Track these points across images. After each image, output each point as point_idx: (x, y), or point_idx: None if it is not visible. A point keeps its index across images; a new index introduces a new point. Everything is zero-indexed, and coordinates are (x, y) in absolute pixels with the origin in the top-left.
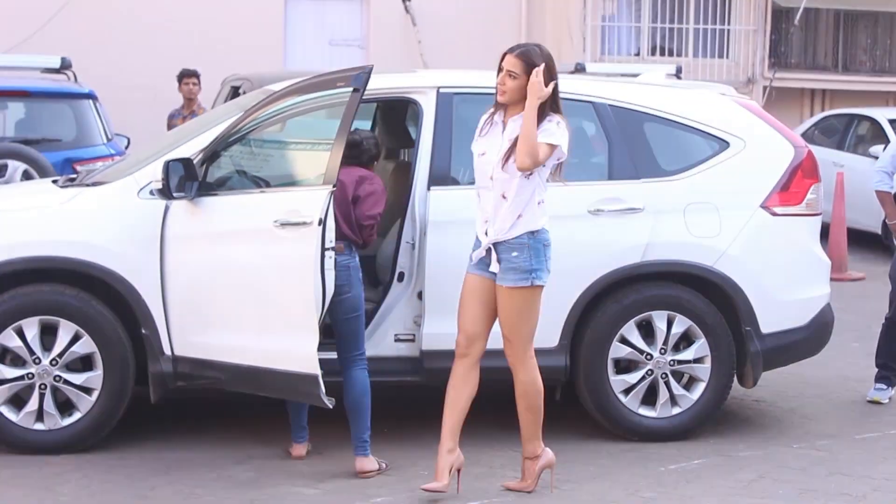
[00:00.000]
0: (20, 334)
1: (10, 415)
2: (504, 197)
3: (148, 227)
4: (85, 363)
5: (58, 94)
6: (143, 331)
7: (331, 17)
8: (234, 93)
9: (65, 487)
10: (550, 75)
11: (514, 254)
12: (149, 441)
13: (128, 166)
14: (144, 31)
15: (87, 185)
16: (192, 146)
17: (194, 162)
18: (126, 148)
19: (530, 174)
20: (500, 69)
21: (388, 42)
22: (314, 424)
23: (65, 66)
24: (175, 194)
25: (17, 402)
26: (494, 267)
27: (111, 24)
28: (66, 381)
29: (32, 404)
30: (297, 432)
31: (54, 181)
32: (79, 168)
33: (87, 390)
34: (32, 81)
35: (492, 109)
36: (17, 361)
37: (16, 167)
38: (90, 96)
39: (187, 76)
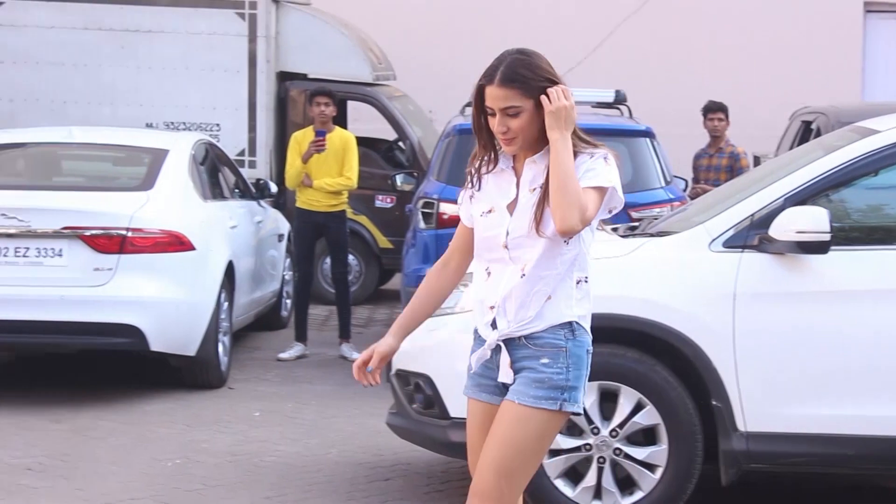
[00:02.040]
0: None
1: (566, 489)
2: (522, 272)
3: (720, 284)
4: (647, 436)
5: (612, 131)
6: (714, 402)
7: None
8: (806, 128)
9: None
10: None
11: (544, 360)
12: None
13: (694, 214)
14: (695, 57)
15: (651, 235)
16: (769, 193)
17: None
18: (684, 191)
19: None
20: (482, 109)
21: None
22: None
23: (619, 99)
24: None
25: (574, 475)
26: (506, 374)
27: (660, 53)
28: (627, 456)
29: (590, 479)
30: None
31: (614, 229)
32: (634, 214)
33: (650, 467)
34: (584, 117)
35: (483, 152)
36: (574, 430)
37: None
38: (648, 134)
39: (712, 111)
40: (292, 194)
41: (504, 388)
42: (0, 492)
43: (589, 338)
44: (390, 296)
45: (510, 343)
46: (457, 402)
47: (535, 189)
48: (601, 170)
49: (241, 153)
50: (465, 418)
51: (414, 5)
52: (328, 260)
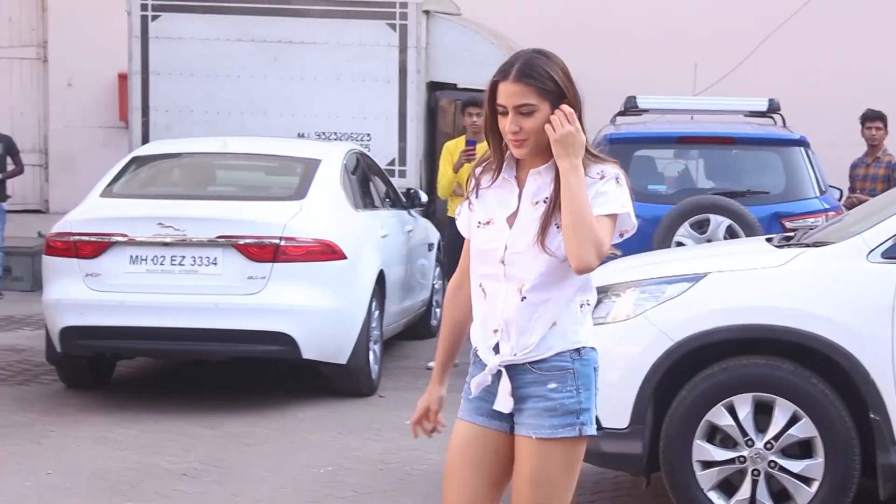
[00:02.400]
0: (731, 412)
1: (720, 501)
2: (522, 294)
3: (878, 295)
4: (803, 449)
5: (765, 140)
6: (872, 415)
7: None
8: None
9: None
10: (571, 101)
11: (552, 385)
12: None
13: (851, 224)
14: (851, 64)
15: (806, 246)
16: None
17: None
18: (839, 200)
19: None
20: (495, 108)
21: None
22: None
23: (773, 108)
24: None
25: (727, 487)
26: (504, 403)
27: (816, 60)
28: (782, 468)
29: (744, 491)
30: None
31: (768, 240)
32: (788, 224)
33: (806, 480)
34: (736, 126)
35: (486, 160)
36: (729, 442)
37: (719, 222)
38: (801, 143)
39: (870, 120)
40: (443, 203)
41: (502, 415)
42: (156, 496)
43: (596, 354)
44: None
45: (512, 369)
46: (608, 413)
47: (537, 202)
48: (613, 193)
49: (392, 163)
50: (617, 429)
51: (563, 14)
52: None
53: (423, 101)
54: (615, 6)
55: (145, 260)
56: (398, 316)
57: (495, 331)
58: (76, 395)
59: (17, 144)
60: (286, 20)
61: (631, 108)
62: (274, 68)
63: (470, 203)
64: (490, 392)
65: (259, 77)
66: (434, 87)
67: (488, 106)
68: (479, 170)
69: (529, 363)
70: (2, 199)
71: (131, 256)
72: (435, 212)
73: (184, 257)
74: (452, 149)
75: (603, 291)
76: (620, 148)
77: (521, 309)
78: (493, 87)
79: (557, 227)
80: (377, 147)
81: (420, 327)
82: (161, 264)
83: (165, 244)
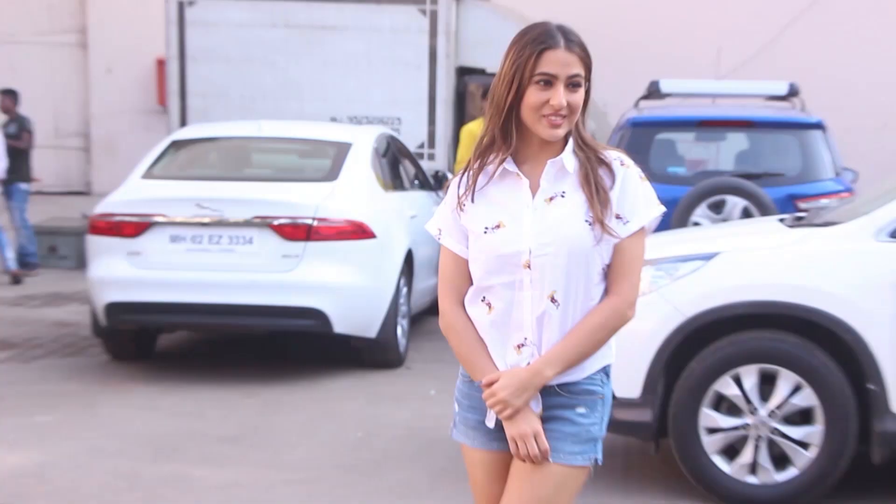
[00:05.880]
0: (738, 382)
1: (723, 465)
2: (554, 300)
3: (883, 273)
4: (804, 416)
5: (783, 123)
6: (869, 385)
7: None
8: None
9: None
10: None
11: (580, 410)
12: None
13: (861, 205)
14: (875, 50)
15: (817, 226)
16: None
17: None
18: (853, 183)
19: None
20: (521, 83)
21: None
22: None
23: (792, 92)
24: None
25: (731, 452)
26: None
27: (837, 43)
28: (783, 434)
29: (746, 456)
30: None
31: (780, 220)
32: (802, 205)
33: (805, 445)
34: (754, 110)
35: (485, 150)
36: (734, 410)
37: (735, 203)
38: (818, 126)
39: None
40: None
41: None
42: (198, 458)
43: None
44: None
45: (545, 390)
46: (622, 383)
47: (553, 198)
48: (642, 191)
49: (421, 146)
50: (630, 399)
51: (592, 1)
52: None
53: (453, 86)
54: None
55: (185, 239)
56: (425, 293)
57: (520, 346)
58: (121, 366)
59: (61, 128)
60: (319, 5)
61: (654, 92)
62: (307, 53)
63: (461, 207)
64: (476, 408)
65: (293, 62)
66: (463, 72)
67: (515, 80)
68: (477, 164)
69: (558, 385)
70: (24, 178)
71: (171, 236)
72: None
73: (221, 237)
74: (474, 130)
75: None
76: (643, 131)
77: (555, 318)
78: (537, 56)
79: (589, 224)
80: (407, 131)
81: None
82: (200, 243)
83: (203, 224)
